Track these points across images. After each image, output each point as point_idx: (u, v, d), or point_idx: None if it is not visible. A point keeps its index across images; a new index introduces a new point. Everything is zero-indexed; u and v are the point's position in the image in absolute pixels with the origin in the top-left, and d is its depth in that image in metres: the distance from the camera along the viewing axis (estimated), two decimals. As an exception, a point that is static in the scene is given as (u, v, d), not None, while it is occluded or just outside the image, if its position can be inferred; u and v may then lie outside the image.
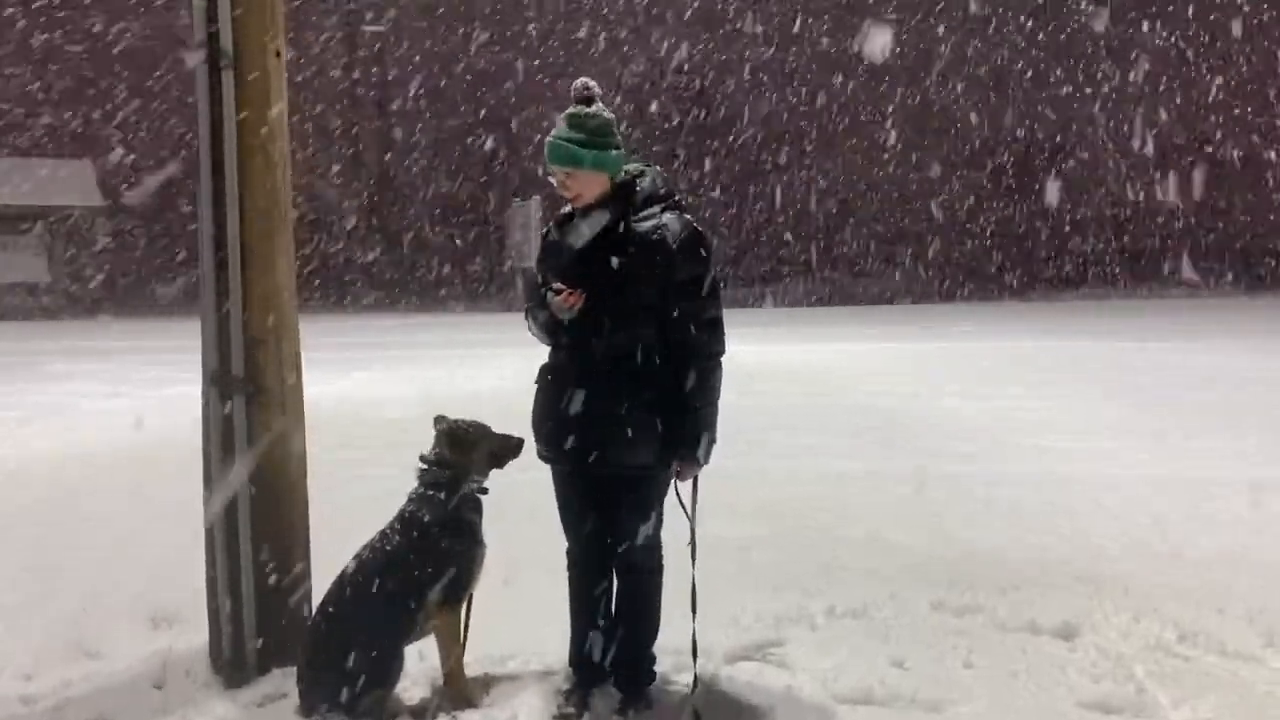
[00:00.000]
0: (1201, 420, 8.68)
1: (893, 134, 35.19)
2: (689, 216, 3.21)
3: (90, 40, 33.48)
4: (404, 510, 3.32)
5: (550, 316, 3.14)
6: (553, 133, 3.17)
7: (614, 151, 3.16)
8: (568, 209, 3.31)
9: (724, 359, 3.23)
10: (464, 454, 3.31)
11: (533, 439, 3.34)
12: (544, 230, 3.40)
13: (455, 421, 3.35)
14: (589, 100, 3.17)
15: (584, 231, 3.18)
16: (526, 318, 3.34)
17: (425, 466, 3.34)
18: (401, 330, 22.75)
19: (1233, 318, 21.05)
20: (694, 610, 3.25)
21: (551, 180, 3.22)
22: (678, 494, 3.27)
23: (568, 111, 3.17)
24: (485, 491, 3.36)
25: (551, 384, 3.24)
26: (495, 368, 12.85)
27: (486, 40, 36.12)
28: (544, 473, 3.37)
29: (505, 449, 3.38)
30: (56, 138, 34.02)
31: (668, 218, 3.17)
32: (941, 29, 35.03)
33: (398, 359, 15.31)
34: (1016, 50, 34.50)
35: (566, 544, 3.39)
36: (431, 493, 3.28)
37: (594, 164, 3.12)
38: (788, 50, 35.78)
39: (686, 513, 3.25)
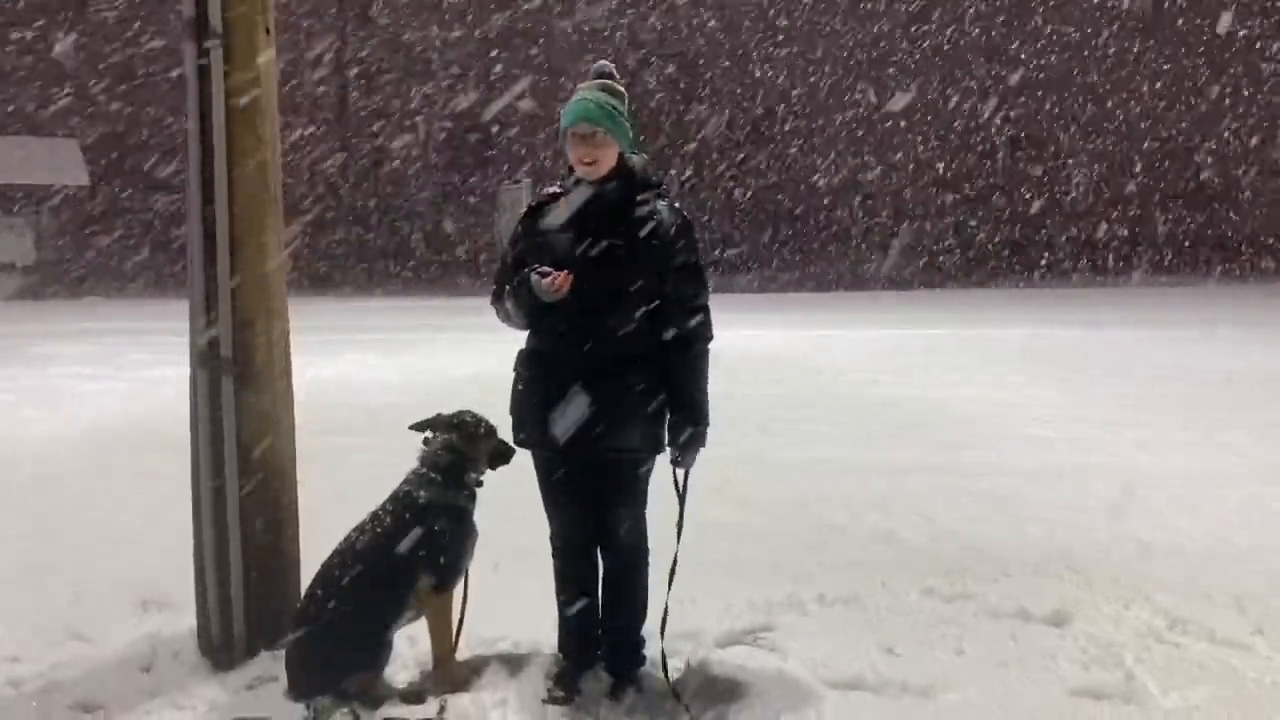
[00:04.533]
0: (1191, 410, 8.70)
1: (884, 120, 35.13)
2: (678, 204, 3.21)
3: (77, 16, 33.14)
4: (398, 490, 3.32)
5: (532, 299, 3.09)
6: (580, 92, 3.15)
7: (629, 126, 3.19)
8: (553, 189, 3.28)
9: (712, 345, 3.24)
10: (471, 445, 3.32)
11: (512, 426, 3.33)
12: (524, 211, 3.33)
13: (468, 412, 3.38)
14: (609, 77, 3.21)
15: (594, 207, 3.14)
16: (495, 301, 3.29)
17: (429, 449, 3.33)
18: (391, 313, 22.67)
19: (1224, 308, 21.11)
20: (669, 589, 3.27)
21: (567, 152, 3.16)
22: (675, 478, 3.26)
23: (591, 82, 3.18)
24: (480, 485, 3.38)
25: (540, 369, 3.20)
26: (485, 352, 12.81)
27: (478, 18, 35.88)
28: (525, 456, 3.36)
29: (504, 454, 3.40)
30: (42, 115, 33.69)
31: (660, 204, 3.17)
32: (936, 12, 34.92)
33: (388, 342, 15.25)
34: (1007, 37, 34.42)
35: (550, 530, 3.38)
36: (431, 474, 3.28)
37: (619, 128, 3.12)
38: (776, 32, 35.61)
39: (679, 496, 3.26)
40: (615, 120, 3.12)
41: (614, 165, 3.15)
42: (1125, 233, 34.20)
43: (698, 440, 3.18)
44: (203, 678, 3.38)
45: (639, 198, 3.16)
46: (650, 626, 3.38)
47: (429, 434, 3.36)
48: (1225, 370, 11.26)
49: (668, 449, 3.22)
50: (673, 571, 3.28)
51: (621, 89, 3.21)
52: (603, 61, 3.27)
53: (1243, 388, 10.10)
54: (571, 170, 3.20)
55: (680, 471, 3.25)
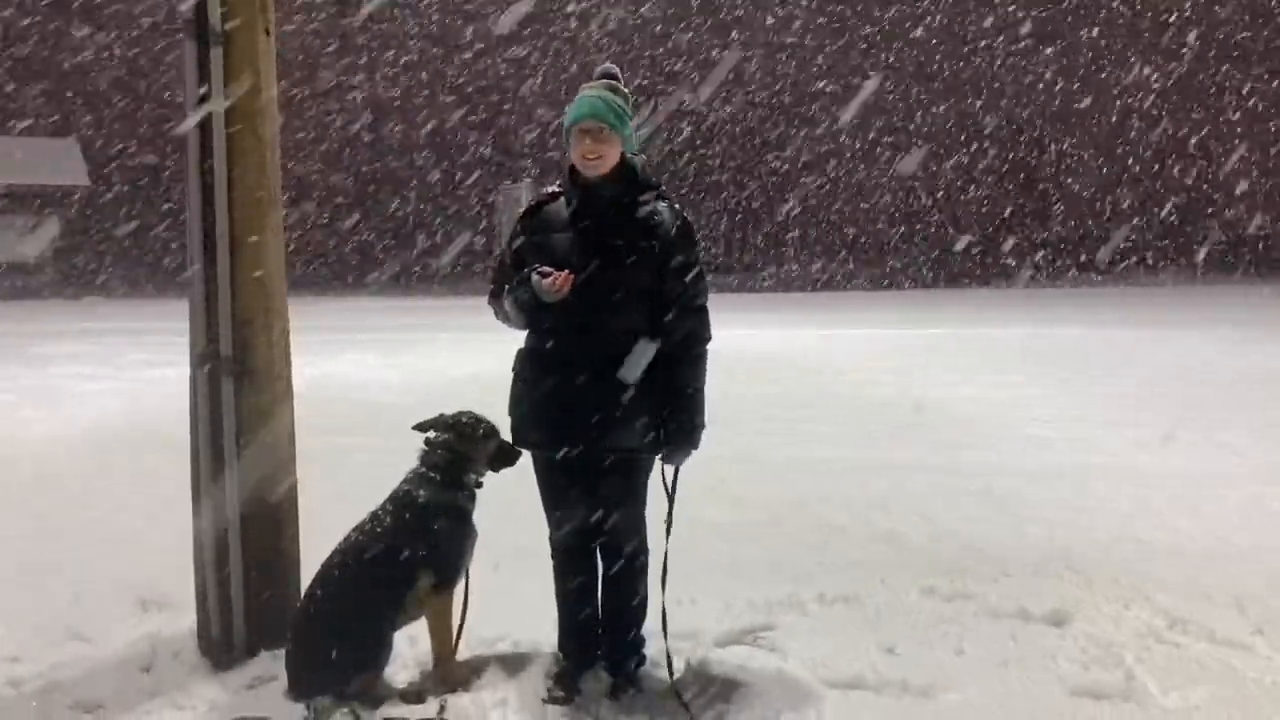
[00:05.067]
0: (1191, 410, 8.71)
1: (881, 121, 35.18)
2: (678, 205, 3.22)
3: (77, 16, 33.15)
4: (398, 490, 3.32)
5: (533, 299, 3.08)
6: (586, 91, 3.16)
7: (632, 128, 3.19)
8: (552, 188, 3.29)
9: (710, 346, 3.24)
10: (469, 445, 3.32)
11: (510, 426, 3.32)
12: (523, 211, 3.32)
13: (468, 413, 3.38)
14: (614, 79, 3.21)
15: (595, 207, 3.14)
16: (492, 300, 3.29)
17: (428, 448, 3.33)
18: (391, 313, 22.68)
19: (1218, 306, 21.11)
20: (663, 588, 3.29)
21: (569, 151, 3.16)
22: (663, 477, 3.28)
23: (596, 83, 3.19)
24: (480, 485, 3.38)
25: (539, 369, 3.20)
26: (486, 351, 12.81)
27: (479, 20, 35.90)
28: (525, 457, 3.36)
29: (506, 456, 3.39)
30: (43, 116, 33.70)
31: (660, 205, 3.18)
32: (928, 11, 34.95)
33: (388, 342, 15.26)
34: (1003, 35, 34.43)
35: (549, 530, 3.37)
36: (430, 474, 3.28)
37: (625, 127, 3.13)
38: (771, 29, 35.62)
39: (668, 494, 3.27)
40: (622, 119, 3.13)
41: (616, 164, 3.15)
42: (1125, 232, 34.21)
43: (691, 440, 3.18)
44: (203, 677, 3.38)
45: (640, 198, 3.17)
46: (651, 626, 3.38)
47: (431, 434, 3.36)
48: (1225, 370, 11.27)
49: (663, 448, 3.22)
50: (664, 570, 3.29)
51: (626, 91, 3.22)
52: (608, 64, 3.28)
53: (1243, 388, 10.11)
54: (572, 171, 3.20)
55: (669, 470, 3.26)
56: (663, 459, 3.23)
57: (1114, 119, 34.13)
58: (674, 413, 3.16)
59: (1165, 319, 18.52)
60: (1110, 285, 30.83)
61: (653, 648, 3.42)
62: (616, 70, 3.25)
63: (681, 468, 3.27)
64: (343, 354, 13.31)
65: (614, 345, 3.10)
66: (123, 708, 3.18)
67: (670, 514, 3.28)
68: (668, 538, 3.27)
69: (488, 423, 3.40)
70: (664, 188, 3.28)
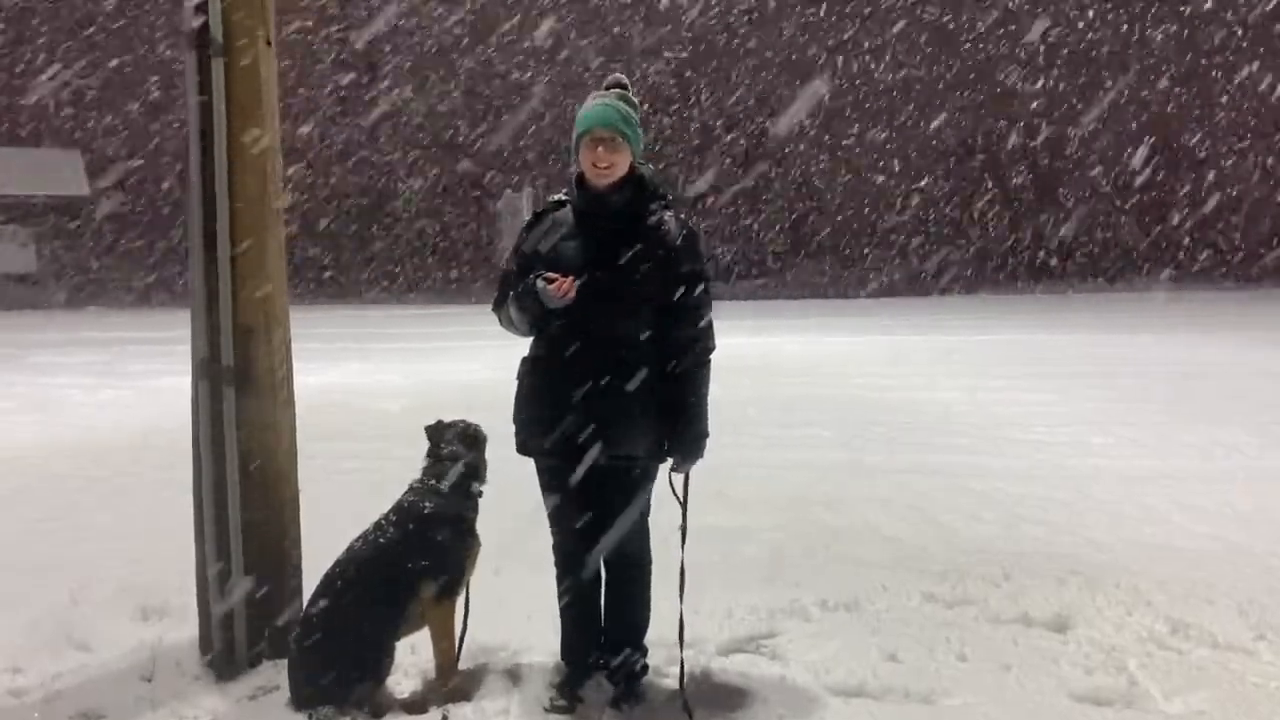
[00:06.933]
0: (1190, 412, 8.70)
1: (878, 125, 35.20)
2: (684, 215, 3.23)
3: (79, 25, 33.25)
4: (402, 500, 3.32)
5: (538, 305, 3.08)
6: (597, 100, 3.16)
7: (641, 136, 3.21)
8: (558, 196, 3.29)
9: (713, 355, 3.24)
10: (479, 456, 3.36)
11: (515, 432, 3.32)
12: (529, 218, 3.33)
13: (462, 421, 3.39)
14: (623, 88, 3.21)
15: (602, 215, 3.14)
16: (497, 308, 3.29)
17: (435, 460, 3.33)
18: (392, 321, 22.69)
19: (1215, 311, 21.12)
20: (681, 597, 3.28)
21: (577, 159, 3.16)
22: (671, 485, 3.28)
23: (606, 92, 3.19)
24: (482, 494, 3.39)
25: (543, 376, 3.20)
26: (486, 359, 12.82)
27: (478, 26, 35.96)
28: (526, 464, 3.35)
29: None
30: (44, 126, 33.78)
31: (667, 215, 3.19)
32: (924, 15, 34.97)
33: (388, 350, 15.27)
34: (998, 39, 34.46)
35: (553, 537, 3.37)
36: (436, 484, 3.28)
37: (635, 136, 3.14)
38: (768, 37, 35.64)
39: (680, 502, 3.27)
40: (633, 128, 3.14)
41: (625, 174, 3.16)
42: (1125, 237, 34.21)
43: (697, 449, 3.19)
44: (204, 687, 3.38)
45: (648, 208, 3.18)
46: (653, 635, 3.37)
47: (445, 449, 3.36)
48: (1225, 371, 11.27)
49: (668, 457, 3.23)
50: (682, 580, 3.29)
51: (635, 100, 3.22)
52: (617, 74, 3.29)
53: (1243, 388, 10.11)
54: (580, 179, 3.20)
55: (679, 479, 3.27)
56: (671, 468, 3.24)
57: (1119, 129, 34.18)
58: (678, 422, 3.16)
59: (1165, 322, 18.53)
60: (1110, 289, 30.85)
61: (656, 656, 3.42)
62: (626, 80, 3.25)
63: (690, 475, 3.28)
64: (344, 362, 13.32)
65: (618, 353, 3.10)
66: (124, 718, 3.18)
67: (684, 522, 3.29)
68: (683, 546, 3.27)
69: (482, 429, 3.42)
70: (671, 197, 3.29)
